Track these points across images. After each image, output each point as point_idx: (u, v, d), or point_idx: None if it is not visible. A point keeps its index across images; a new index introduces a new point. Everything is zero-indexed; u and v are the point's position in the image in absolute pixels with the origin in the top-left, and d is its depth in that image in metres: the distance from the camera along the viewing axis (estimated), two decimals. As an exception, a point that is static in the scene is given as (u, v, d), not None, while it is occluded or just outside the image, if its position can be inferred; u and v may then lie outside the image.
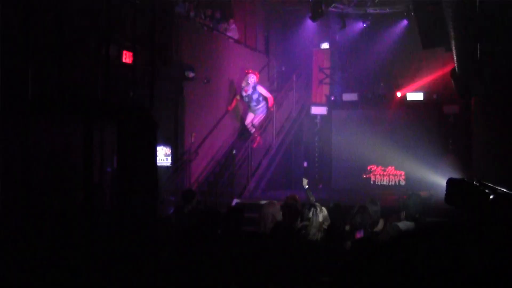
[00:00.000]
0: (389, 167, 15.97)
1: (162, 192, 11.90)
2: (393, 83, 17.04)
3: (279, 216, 7.81)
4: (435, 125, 15.54)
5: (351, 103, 16.84)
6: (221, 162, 14.93)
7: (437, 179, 12.86)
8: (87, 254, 4.94)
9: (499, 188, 3.41)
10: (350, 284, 0.86)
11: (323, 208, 7.93)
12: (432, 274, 0.76)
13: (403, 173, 15.80)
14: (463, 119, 14.44)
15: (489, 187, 3.75)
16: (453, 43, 9.10)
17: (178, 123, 13.91)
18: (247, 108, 15.54)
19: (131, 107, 5.57)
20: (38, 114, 5.80)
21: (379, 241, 6.17)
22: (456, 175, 10.82)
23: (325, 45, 18.15)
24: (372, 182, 16.17)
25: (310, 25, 17.87)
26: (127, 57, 11.35)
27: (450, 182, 4.17)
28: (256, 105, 15.20)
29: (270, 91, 18.22)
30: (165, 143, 13.17)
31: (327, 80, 17.43)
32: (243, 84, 15.11)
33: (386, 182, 16.08)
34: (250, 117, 15.44)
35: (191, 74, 13.69)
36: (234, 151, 14.17)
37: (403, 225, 7.45)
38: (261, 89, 15.31)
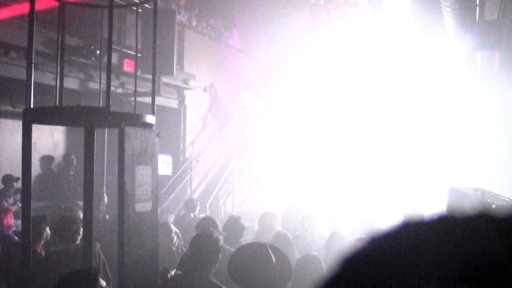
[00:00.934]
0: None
1: (163, 200, 11.90)
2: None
3: (279, 225, 7.80)
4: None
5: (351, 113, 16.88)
6: (223, 170, 14.93)
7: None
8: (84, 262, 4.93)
9: (501, 196, 3.40)
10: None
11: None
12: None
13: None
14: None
15: (491, 196, 3.74)
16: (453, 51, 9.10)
17: (179, 131, 13.92)
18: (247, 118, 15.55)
19: (132, 115, 5.56)
20: (40, 121, 5.80)
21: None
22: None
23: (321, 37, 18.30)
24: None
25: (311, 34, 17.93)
26: (128, 66, 11.38)
27: (451, 191, 4.17)
28: (253, 119, 15.31)
29: (271, 100, 18.36)
30: (167, 152, 13.18)
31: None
32: (239, 100, 15.28)
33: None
34: (251, 126, 15.38)
35: (193, 83, 13.72)
36: (235, 160, 14.18)
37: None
38: (257, 105, 15.48)
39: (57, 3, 6.02)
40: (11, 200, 9.33)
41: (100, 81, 6.46)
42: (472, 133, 12.84)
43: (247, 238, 7.24)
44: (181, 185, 13.36)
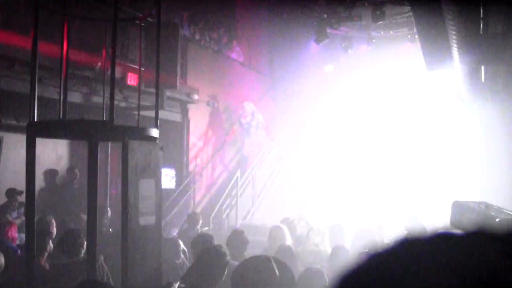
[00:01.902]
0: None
1: (166, 214, 11.88)
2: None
3: (287, 239, 7.77)
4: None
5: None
6: (226, 184, 14.93)
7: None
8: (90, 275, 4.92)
9: (505, 210, 3.38)
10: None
11: (324, 232, 7.91)
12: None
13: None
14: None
15: (495, 210, 3.73)
16: (457, 65, 9.12)
17: (183, 145, 13.94)
18: (245, 136, 15.44)
19: (136, 129, 5.57)
20: (44, 135, 5.82)
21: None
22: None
23: (329, 68, 18.23)
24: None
25: (314, 47, 17.97)
26: (132, 79, 11.42)
27: (454, 204, 4.16)
28: (255, 132, 15.18)
29: (275, 113, 18.32)
30: (170, 165, 13.18)
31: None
32: (241, 112, 15.14)
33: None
34: (249, 144, 15.33)
35: (196, 97, 13.76)
36: (238, 173, 14.17)
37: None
38: (259, 117, 15.35)
39: (60, 18, 6.07)
40: (15, 214, 9.34)
41: (103, 95, 6.49)
42: (475, 146, 12.83)
43: (251, 252, 7.22)
44: (184, 198, 13.35)
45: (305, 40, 18.42)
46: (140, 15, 6.83)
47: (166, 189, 12.53)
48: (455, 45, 8.01)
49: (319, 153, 16.31)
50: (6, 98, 9.53)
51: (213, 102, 14.87)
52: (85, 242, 5.70)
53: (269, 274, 4.09)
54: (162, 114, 7.72)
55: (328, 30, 15.71)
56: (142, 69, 7.70)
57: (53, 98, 7.88)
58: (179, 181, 13.61)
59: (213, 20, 16.21)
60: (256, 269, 4.15)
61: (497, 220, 3.45)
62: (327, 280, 5.38)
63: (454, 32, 7.53)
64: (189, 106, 13.88)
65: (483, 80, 10.58)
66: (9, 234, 7.32)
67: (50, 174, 11.32)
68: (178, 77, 12.12)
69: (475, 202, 4.10)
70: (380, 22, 15.58)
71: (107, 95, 5.92)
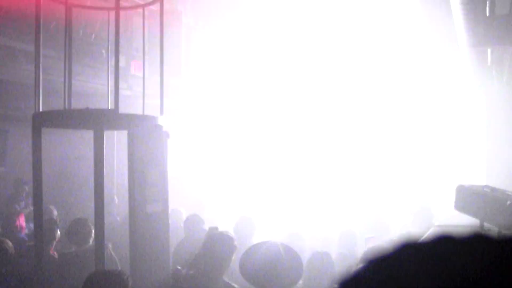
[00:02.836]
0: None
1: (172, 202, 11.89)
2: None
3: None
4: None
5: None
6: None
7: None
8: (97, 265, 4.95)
9: (510, 193, 3.38)
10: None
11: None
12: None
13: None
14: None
15: (501, 193, 3.73)
16: (463, 48, 9.06)
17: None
18: None
19: (141, 117, 5.58)
20: (49, 125, 5.84)
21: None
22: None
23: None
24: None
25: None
26: (136, 68, 11.41)
27: (459, 188, 4.15)
28: None
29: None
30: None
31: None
32: None
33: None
34: None
35: (201, 84, 13.73)
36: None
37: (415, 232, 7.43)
38: None
39: (63, 6, 6.05)
40: (23, 204, 9.39)
41: (108, 83, 6.49)
42: (480, 130, 12.76)
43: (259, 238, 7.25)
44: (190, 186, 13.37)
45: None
46: (143, 3, 6.81)
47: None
48: (461, 27, 7.96)
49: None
50: (10, 89, 9.54)
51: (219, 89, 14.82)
52: (93, 231, 5.73)
53: (277, 259, 4.11)
54: (167, 102, 7.71)
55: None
56: (146, 57, 7.70)
57: (57, 88, 7.88)
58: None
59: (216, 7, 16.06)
60: (264, 254, 4.17)
61: (508, 203, 3.44)
62: (335, 264, 5.40)
63: (460, 14, 7.47)
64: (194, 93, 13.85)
65: (489, 64, 10.52)
66: (18, 223, 7.38)
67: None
68: (182, 65, 12.10)
69: (480, 185, 4.09)
70: None
71: (111, 84, 5.93)
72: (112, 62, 5.85)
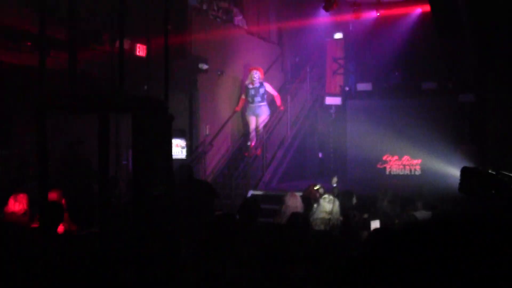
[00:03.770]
0: (405, 157, 15.87)
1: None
2: (408, 72, 16.93)
3: (301, 207, 7.82)
4: (450, 114, 15.38)
5: (366, 93, 16.72)
6: (236, 153, 14.97)
7: (452, 169, 12.75)
8: (104, 247, 4.98)
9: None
10: (365, 275, 0.86)
11: (335, 200, 7.93)
12: (448, 267, 0.76)
13: (419, 162, 15.69)
14: (479, 108, 14.28)
15: (507, 176, 3.73)
16: (467, 32, 9.02)
17: (192, 115, 13.94)
18: (249, 111, 15.01)
19: (146, 99, 5.58)
20: (54, 109, 5.84)
21: (396, 231, 6.15)
22: (472, 165, 10.62)
23: (338, 35, 18.03)
24: (387, 172, 16.09)
25: (323, 14, 17.79)
26: (140, 51, 11.39)
27: (464, 171, 4.16)
28: (260, 101, 14.73)
29: (284, 82, 18.18)
30: (180, 136, 13.22)
31: (341, 71, 17.33)
32: (248, 81, 14.86)
33: (401, 171, 15.98)
34: (253, 121, 14.94)
35: (205, 66, 13.71)
36: (249, 143, 14.19)
37: (420, 214, 7.44)
38: (268, 86, 14.97)
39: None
40: (27, 186, 9.42)
41: (112, 66, 6.49)
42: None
43: (263, 220, 7.28)
44: (195, 168, 13.41)
45: (313, 7, 18.25)
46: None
47: (177, 160, 12.60)
48: (467, 11, 7.92)
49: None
50: (14, 73, 9.54)
51: (222, 71, 14.80)
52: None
53: (281, 242, 4.13)
54: (171, 84, 7.71)
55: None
56: (151, 39, 7.68)
57: (61, 71, 7.87)
58: (189, 151, 13.67)
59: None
60: (268, 237, 4.19)
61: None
62: (338, 245, 5.43)
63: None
64: (198, 75, 13.85)
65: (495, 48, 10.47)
66: (21, 206, 7.40)
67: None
68: (186, 47, 12.08)
69: (485, 167, 4.09)
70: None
71: (116, 67, 5.92)
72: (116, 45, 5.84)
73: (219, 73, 14.69)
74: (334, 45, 17.64)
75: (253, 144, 14.35)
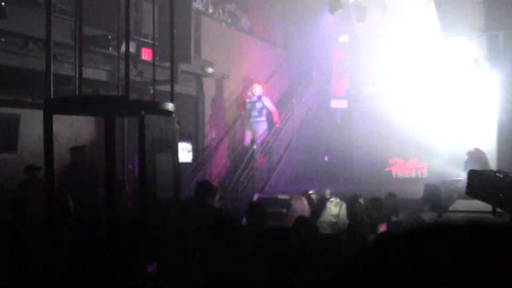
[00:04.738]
0: (411, 160, 15.84)
1: (184, 188, 11.95)
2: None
3: (308, 210, 7.80)
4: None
5: (371, 96, 16.69)
6: (242, 157, 14.96)
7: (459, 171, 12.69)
8: (111, 249, 4.98)
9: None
10: (372, 278, 0.85)
11: (342, 203, 7.91)
12: (455, 270, 0.75)
13: (425, 165, 15.65)
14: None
15: (513, 178, 3.70)
16: (475, 32, 9.00)
17: (198, 119, 13.96)
18: (246, 125, 14.61)
19: (152, 103, 5.59)
20: (61, 111, 5.86)
21: (402, 234, 6.12)
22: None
23: (343, 38, 18.01)
24: (393, 175, 16.05)
25: (328, 17, 17.78)
26: (146, 54, 11.41)
27: (471, 174, 4.13)
28: (257, 116, 14.26)
29: (290, 85, 18.16)
30: (186, 139, 13.23)
31: (347, 74, 17.31)
32: (248, 93, 14.51)
33: (408, 175, 15.95)
34: (248, 136, 14.56)
35: (210, 70, 13.73)
36: (254, 146, 14.18)
37: (427, 216, 7.41)
38: (267, 101, 14.50)
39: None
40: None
41: (118, 70, 6.50)
42: (492, 114, 12.68)
43: (269, 223, 7.25)
44: (201, 172, 13.42)
45: (318, 10, 18.25)
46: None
47: (183, 163, 12.60)
48: (473, 10, 7.90)
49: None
50: (22, 76, 9.57)
51: (227, 75, 14.80)
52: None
53: (287, 246, 4.12)
54: (177, 88, 7.73)
55: (342, 0, 15.51)
56: (156, 43, 7.69)
57: (68, 75, 7.90)
58: (195, 155, 13.67)
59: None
60: (274, 241, 4.17)
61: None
62: (345, 250, 5.41)
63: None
64: (204, 79, 13.87)
65: (501, 46, 10.44)
66: (30, 210, 7.42)
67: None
68: (192, 51, 12.09)
69: (492, 170, 4.08)
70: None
71: (122, 70, 5.93)
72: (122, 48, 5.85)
73: (225, 76, 14.70)
74: (339, 48, 17.63)
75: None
